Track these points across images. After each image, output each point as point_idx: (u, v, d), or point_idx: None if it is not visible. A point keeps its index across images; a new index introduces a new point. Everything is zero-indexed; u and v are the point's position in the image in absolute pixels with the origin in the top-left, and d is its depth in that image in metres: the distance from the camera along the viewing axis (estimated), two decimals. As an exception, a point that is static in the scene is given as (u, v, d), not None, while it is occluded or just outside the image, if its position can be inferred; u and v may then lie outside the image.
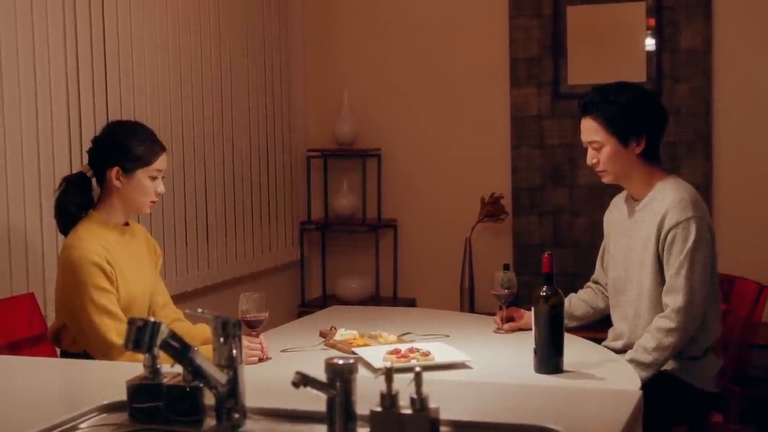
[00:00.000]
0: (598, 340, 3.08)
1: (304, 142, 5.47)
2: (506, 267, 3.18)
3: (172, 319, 3.00)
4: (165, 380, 1.78)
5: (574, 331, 3.09)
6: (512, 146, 5.15)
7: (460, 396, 1.98)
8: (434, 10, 5.27)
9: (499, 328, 3.15)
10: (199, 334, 2.93)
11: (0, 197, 3.31)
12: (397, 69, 5.35)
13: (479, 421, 1.74)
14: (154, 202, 2.91)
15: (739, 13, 4.80)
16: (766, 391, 4.18)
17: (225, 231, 4.67)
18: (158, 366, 1.79)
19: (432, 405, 1.59)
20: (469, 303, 5.06)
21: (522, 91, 5.11)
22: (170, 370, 1.77)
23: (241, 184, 4.81)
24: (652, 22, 4.88)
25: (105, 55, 3.79)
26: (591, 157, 3.07)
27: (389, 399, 1.59)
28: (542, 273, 2.66)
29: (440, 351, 2.75)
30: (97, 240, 2.79)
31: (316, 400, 1.63)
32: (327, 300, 5.30)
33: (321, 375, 1.60)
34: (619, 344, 3.08)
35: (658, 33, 4.88)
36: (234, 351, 1.71)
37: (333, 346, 2.92)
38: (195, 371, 1.69)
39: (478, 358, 2.71)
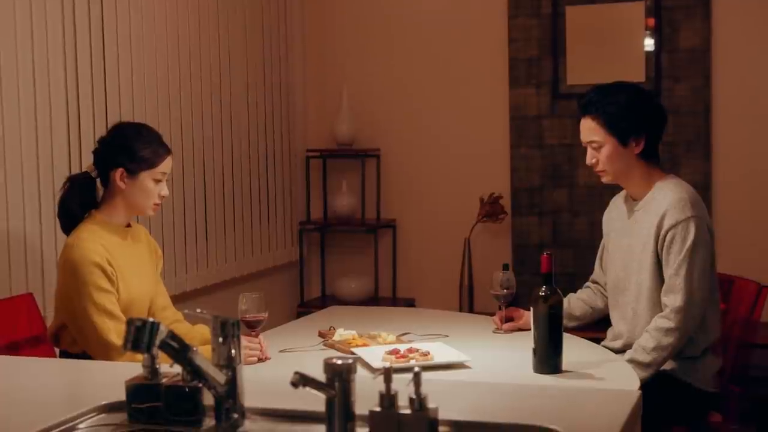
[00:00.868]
0: (597, 340, 3.08)
1: (304, 142, 5.47)
2: (505, 267, 3.18)
3: (171, 320, 2.99)
4: (164, 380, 1.78)
5: (573, 331, 3.09)
6: (511, 146, 5.15)
7: (459, 396, 1.98)
8: (433, 10, 5.28)
9: (498, 328, 3.15)
10: (199, 335, 2.93)
11: (-1, 197, 3.31)
12: (397, 69, 5.35)
13: (478, 421, 1.74)
14: (157, 204, 2.91)
15: (738, 12, 4.80)
16: (766, 390, 4.18)
17: (224, 231, 4.67)
18: (157, 366, 1.79)
19: (431, 405, 1.59)
20: (468, 303, 5.06)
21: (521, 90, 5.11)
22: (169, 370, 1.77)
23: (240, 184, 4.81)
24: (652, 21, 4.89)
25: (104, 54, 3.79)
26: (590, 157, 3.07)
27: (388, 399, 1.59)
28: (541, 273, 2.66)
29: (439, 351, 2.75)
30: (98, 240, 2.78)
31: (315, 401, 1.63)
32: (326, 300, 5.30)
33: (320, 375, 1.60)
34: (618, 344, 3.08)
35: (657, 33, 4.88)
36: (233, 351, 1.71)
37: (332, 347, 2.92)
38: (194, 371, 1.69)
39: (477, 358, 2.71)
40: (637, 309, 3.03)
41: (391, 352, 2.71)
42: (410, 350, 2.73)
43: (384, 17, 5.37)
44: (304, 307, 5.19)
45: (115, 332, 2.69)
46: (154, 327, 1.63)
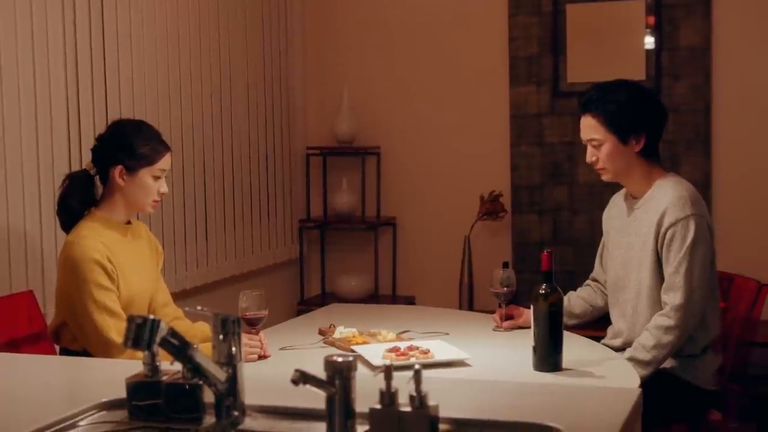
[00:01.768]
0: (597, 338, 3.08)
1: (304, 140, 5.47)
2: (505, 265, 3.17)
3: (172, 317, 2.99)
4: (164, 378, 1.78)
5: (573, 329, 3.09)
6: (511, 144, 5.15)
7: (460, 394, 1.98)
8: (434, 8, 5.27)
9: (498, 326, 3.15)
10: (199, 333, 2.94)
11: (-1, 195, 3.31)
12: (397, 67, 5.35)
13: (478, 418, 1.75)
14: (156, 201, 2.90)
15: (738, 10, 4.80)
16: (766, 388, 4.19)
17: (224, 229, 4.67)
18: (157, 363, 1.79)
19: (431, 402, 1.59)
20: (468, 301, 5.06)
21: (521, 88, 5.11)
22: (169, 367, 1.77)
23: (241, 182, 4.81)
24: (652, 19, 4.89)
25: (104, 54, 3.78)
26: (590, 155, 3.07)
27: (388, 397, 1.59)
28: (541, 271, 2.66)
29: (439, 349, 2.75)
30: (98, 238, 2.79)
31: (315, 398, 1.64)
32: (326, 298, 5.30)
33: (320, 373, 1.60)
34: (617, 342, 3.08)
35: (657, 31, 4.88)
36: (233, 348, 1.71)
37: (332, 344, 2.92)
38: (194, 369, 1.69)
39: (477, 356, 2.71)
40: (636, 307, 3.03)
41: (391, 350, 2.71)
42: (410, 348, 2.73)
43: (384, 15, 5.37)
44: (305, 305, 5.19)
45: (115, 330, 2.69)
46: (155, 324, 1.63)
